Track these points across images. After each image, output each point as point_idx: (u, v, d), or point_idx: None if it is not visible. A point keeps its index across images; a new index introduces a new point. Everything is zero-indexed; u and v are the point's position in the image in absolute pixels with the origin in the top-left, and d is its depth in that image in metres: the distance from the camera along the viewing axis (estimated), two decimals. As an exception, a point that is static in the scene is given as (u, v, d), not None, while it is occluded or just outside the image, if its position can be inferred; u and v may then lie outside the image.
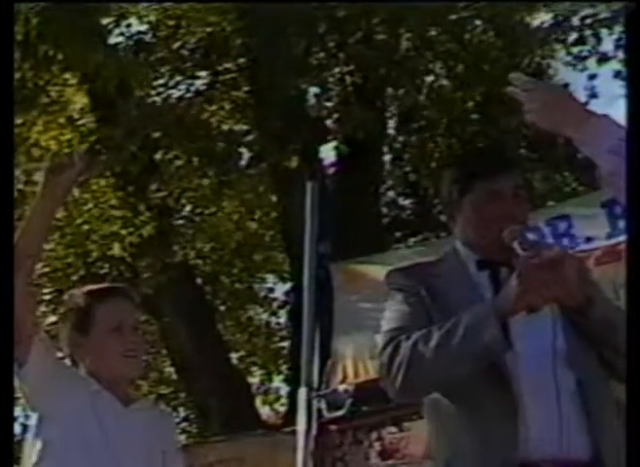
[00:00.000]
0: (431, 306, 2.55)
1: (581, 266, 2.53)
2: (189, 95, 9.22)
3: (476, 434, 2.44)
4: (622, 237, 4.57)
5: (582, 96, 9.91)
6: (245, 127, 9.34)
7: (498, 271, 2.56)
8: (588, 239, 4.88)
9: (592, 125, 2.18)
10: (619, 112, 2.43)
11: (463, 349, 2.39)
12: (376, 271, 5.66)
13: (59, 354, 2.94)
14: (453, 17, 8.73)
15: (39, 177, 2.80)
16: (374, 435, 5.42)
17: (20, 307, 2.68)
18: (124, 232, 8.82)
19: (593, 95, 9.69)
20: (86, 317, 2.86)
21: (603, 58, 9.41)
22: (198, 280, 10.16)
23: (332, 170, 9.57)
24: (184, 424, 11.73)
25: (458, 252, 2.68)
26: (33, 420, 2.84)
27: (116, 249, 8.87)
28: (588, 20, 9.36)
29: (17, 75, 7.58)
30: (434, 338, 2.41)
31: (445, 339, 2.40)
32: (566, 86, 10.27)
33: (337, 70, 9.19)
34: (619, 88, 9.25)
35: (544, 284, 2.36)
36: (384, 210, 10.72)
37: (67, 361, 2.91)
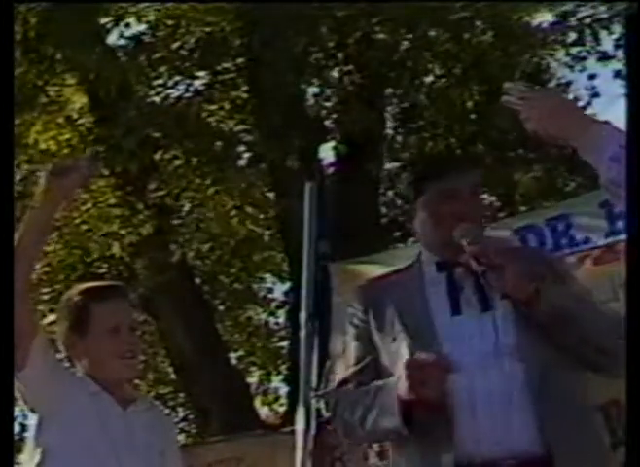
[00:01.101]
0: (373, 329, 2.65)
1: (530, 258, 2.54)
2: (188, 95, 9.22)
3: (418, 441, 2.51)
4: (621, 237, 4.58)
5: (582, 96, 9.94)
6: (244, 127, 9.33)
7: (454, 272, 2.57)
8: (587, 239, 4.88)
9: (594, 132, 2.16)
10: (619, 112, 2.42)
11: (376, 427, 2.56)
12: (376, 271, 5.65)
13: (58, 355, 2.93)
14: (453, 16, 8.73)
15: (41, 179, 2.76)
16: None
17: (18, 311, 2.65)
18: (122, 231, 8.81)
19: (594, 95, 9.71)
20: (82, 318, 2.83)
21: (603, 58, 9.41)
22: (197, 280, 10.15)
23: (331, 170, 9.57)
24: (183, 424, 11.72)
25: (421, 256, 2.69)
26: (33, 422, 2.83)
27: (115, 249, 8.86)
28: (587, 21, 9.36)
29: (15, 75, 7.57)
30: (358, 411, 2.59)
31: (365, 412, 2.57)
32: (568, 85, 10.30)
33: (336, 70, 9.19)
34: (619, 87, 9.26)
35: (429, 377, 2.42)
36: (383, 210, 10.71)
37: (65, 361, 2.89)
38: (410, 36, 9.02)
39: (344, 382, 2.69)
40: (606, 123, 2.19)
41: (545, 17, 9.67)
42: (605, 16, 9.25)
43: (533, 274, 2.47)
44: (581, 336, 2.50)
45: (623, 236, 4.57)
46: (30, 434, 2.82)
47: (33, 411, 2.81)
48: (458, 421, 2.47)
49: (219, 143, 8.88)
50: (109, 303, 2.86)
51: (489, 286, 2.49)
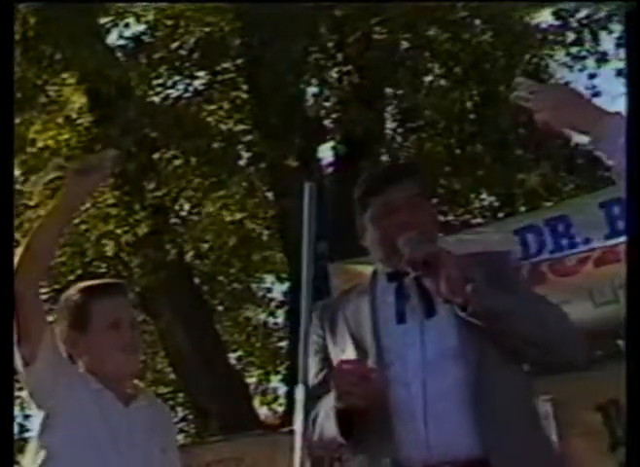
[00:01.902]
0: (329, 343, 2.73)
1: (461, 263, 2.57)
2: (187, 95, 9.22)
3: (359, 448, 2.59)
4: (621, 238, 4.58)
5: (582, 96, 9.92)
6: (243, 127, 9.33)
7: (402, 282, 2.66)
8: (587, 240, 4.88)
9: (606, 122, 2.17)
10: (620, 111, 2.43)
11: (321, 435, 2.64)
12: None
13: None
14: (452, 16, 8.74)
15: (66, 177, 2.79)
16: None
17: (30, 305, 2.68)
18: (118, 230, 8.81)
19: (595, 95, 9.71)
20: (82, 315, 2.85)
21: (602, 58, 9.43)
22: (196, 280, 10.15)
23: (330, 170, 9.57)
24: (182, 424, 11.72)
25: (377, 268, 2.80)
26: (38, 419, 2.83)
27: (110, 248, 8.86)
28: (586, 21, 9.37)
29: (14, 74, 7.57)
30: (309, 421, 2.67)
31: (314, 422, 2.66)
32: (566, 84, 10.31)
33: (335, 70, 9.19)
34: (619, 86, 9.27)
35: (352, 385, 2.48)
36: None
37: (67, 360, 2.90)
38: (410, 36, 9.03)
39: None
40: (617, 114, 2.20)
41: (544, 18, 9.69)
42: (604, 15, 9.27)
43: (467, 278, 2.51)
44: (518, 335, 2.52)
45: (623, 237, 4.58)
46: (34, 432, 2.83)
47: (39, 406, 2.82)
48: (399, 427, 2.50)
49: (218, 143, 8.88)
50: (108, 299, 2.88)
51: (432, 292, 2.55)
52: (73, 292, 2.93)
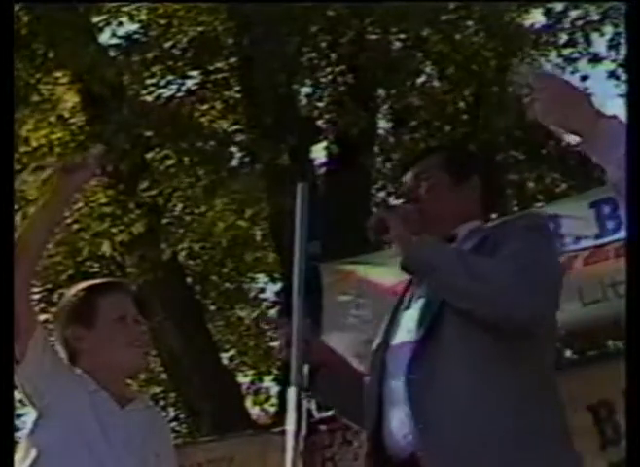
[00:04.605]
0: None
1: (409, 219, 2.64)
2: (180, 95, 9.22)
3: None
4: (611, 238, 4.61)
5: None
6: (237, 127, 9.33)
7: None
8: (577, 239, 4.90)
9: (603, 126, 1.97)
10: (611, 113, 2.41)
11: None
12: (366, 271, 5.67)
13: (60, 355, 2.93)
14: (445, 17, 8.75)
15: (53, 176, 2.83)
16: (364, 435, 5.42)
17: (19, 303, 2.68)
18: (114, 229, 8.80)
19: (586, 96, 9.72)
20: (89, 311, 2.87)
21: (595, 59, 9.45)
22: (189, 280, 10.15)
23: (323, 170, 9.58)
24: (174, 424, 11.70)
25: None
26: (31, 417, 2.83)
27: (105, 247, 8.85)
28: (580, 22, 9.40)
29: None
30: None
31: None
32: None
33: (328, 70, 9.19)
34: (611, 88, 9.30)
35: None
36: (375, 211, 10.71)
37: (65, 360, 2.90)
38: (403, 36, 9.04)
39: None
40: (615, 118, 1.99)
41: (536, 19, 9.72)
42: (596, 17, 9.30)
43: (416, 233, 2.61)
44: (448, 285, 2.49)
45: (613, 237, 4.60)
46: (26, 431, 2.83)
47: (33, 404, 2.82)
48: (387, 413, 2.60)
49: (211, 143, 8.88)
50: (114, 295, 2.92)
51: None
52: (77, 290, 2.96)
